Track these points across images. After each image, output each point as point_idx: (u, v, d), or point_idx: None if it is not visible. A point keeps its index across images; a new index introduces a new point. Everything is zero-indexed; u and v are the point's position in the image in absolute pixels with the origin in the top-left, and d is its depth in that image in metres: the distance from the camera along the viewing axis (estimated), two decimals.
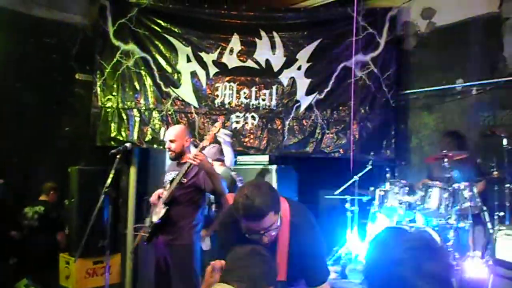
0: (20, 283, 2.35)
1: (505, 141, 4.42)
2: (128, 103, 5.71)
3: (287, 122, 5.52)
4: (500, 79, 5.08)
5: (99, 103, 5.72)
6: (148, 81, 5.68)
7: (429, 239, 1.35)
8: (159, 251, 3.68)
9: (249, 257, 1.85)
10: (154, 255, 3.76)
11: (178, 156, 3.72)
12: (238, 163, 5.21)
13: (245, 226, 2.07)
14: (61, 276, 5.22)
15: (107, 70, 5.70)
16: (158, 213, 3.63)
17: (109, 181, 3.52)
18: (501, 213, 4.37)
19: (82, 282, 5.00)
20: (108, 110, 5.72)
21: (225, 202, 3.58)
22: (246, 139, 5.52)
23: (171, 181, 3.63)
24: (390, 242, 1.35)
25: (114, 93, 5.71)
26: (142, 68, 5.69)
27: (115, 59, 5.69)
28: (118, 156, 3.63)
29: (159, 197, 3.70)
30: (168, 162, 4.09)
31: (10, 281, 4.57)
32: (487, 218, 4.45)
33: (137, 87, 5.70)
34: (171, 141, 3.71)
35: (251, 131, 5.53)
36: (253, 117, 5.53)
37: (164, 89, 5.66)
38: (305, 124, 5.52)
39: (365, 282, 1.36)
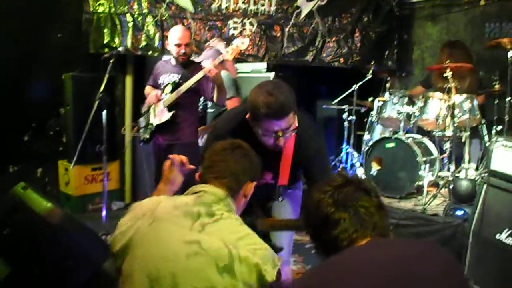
0: (17, 186, 2.36)
1: (510, 54, 4.31)
2: (121, 7, 5.45)
3: (286, 29, 5.29)
4: None
5: (90, 8, 5.47)
6: None
7: (348, 178, 1.46)
8: (160, 151, 3.81)
9: (229, 151, 1.67)
10: (155, 155, 3.92)
11: (188, 60, 3.75)
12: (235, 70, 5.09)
13: (265, 126, 2.01)
14: (60, 182, 5.31)
15: None
16: (159, 115, 3.69)
17: (103, 86, 3.48)
18: (499, 127, 4.37)
19: (81, 188, 5.10)
20: (100, 15, 5.48)
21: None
22: None
23: (173, 84, 3.63)
24: (311, 190, 1.50)
25: None
26: None
27: None
28: (111, 61, 3.56)
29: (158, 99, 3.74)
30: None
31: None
32: (485, 132, 4.46)
33: None
34: (187, 44, 3.70)
35: (249, 38, 5.32)
36: (251, 23, 5.30)
37: None
38: (305, 31, 5.30)
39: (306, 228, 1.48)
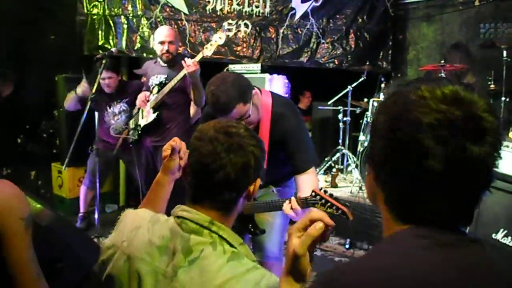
0: None
1: (505, 53, 4.32)
2: (115, 9, 5.46)
3: (281, 31, 5.28)
4: None
5: (85, 10, 5.47)
6: None
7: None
8: (147, 153, 3.80)
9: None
10: (143, 156, 3.89)
11: (174, 59, 3.66)
12: (230, 71, 5.07)
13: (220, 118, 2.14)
14: (54, 185, 5.27)
15: None
16: (146, 117, 3.66)
17: (95, 87, 3.44)
18: None
19: (75, 190, 5.04)
20: (95, 17, 5.49)
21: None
22: (239, 48, 5.32)
23: (160, 85, 3.59)
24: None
25: None
26: None
27: None
28: (103, 62, 3.52)
29: (146, 100, 3.70)
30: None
31: None
32: None
33: None
34: (170, 42, 3.64)
35: (244, 39, 5.31)
36: (246, 25, 5.29)
37: None
38: (299, 32, 5.29)
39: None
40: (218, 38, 3.34)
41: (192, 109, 3.86)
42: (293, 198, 2.10)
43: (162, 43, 3.65)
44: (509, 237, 2.83)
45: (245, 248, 1.30)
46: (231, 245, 1.27)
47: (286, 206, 2.12)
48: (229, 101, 2.11)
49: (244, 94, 2.16)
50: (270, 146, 2.24)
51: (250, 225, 2.42)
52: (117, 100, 4.23)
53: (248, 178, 1.33)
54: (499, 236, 2.92)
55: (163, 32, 3.70)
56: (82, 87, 3.97)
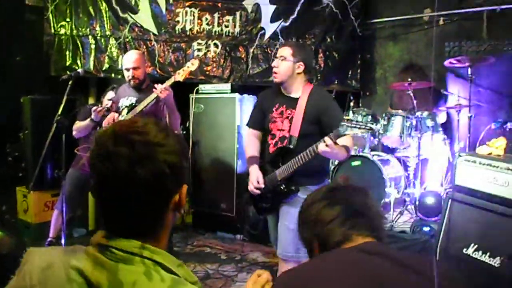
0: None
1: (469, 71, 4.42)
2: (83, 29, 5.39)
3: (251, 50, 5.32)
4: (468, 10, 5.02)
5: (52, 30, 5.38)
6: (104, 6, 5.33)
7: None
8: None
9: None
10: None
11: (142, 83, 3.62)
12: (200, 92, 5.05)
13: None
14: (19, 209, 5.09)
15: None
16: None
17: (61, 109, 3.37)
18: (461, 144, 4.45)
19: (41, 215, 4.88)
20: (62, 37, 5.40)
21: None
22: (209, 68, 5.32)
23: (129, 107, 3.53)
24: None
25: (68, 19, 5.36)
26: None
27: None
28: (70, 83, 3.46)
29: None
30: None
31: None
32: (448, 148, 4.53)
33: (92, 12, 5.35)
34: (134, 68, 3.60)
35: (214, 59, 5.32)
36: (215, 45, 5.30)
37: (121, 14, 5.32)
38: (269, 52, 5.34)
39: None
40: (191, 65, 3.35)
41: None
42: (326, 137, 2.45)
43: (127, 70, 3.63)
44: (480, 252, 2.85)
45: (183, 270, 1.09)
46: (169, 271, 1.06)
47: (320, 145, 2.45)
48: (294, 44, 3.32)
49: (301, 53, 2.88)
50: (305, 115, 2.72)
51: (282, 186, 2.75)
52: None
53: (168, 191, 1.10)
54: (470, 251, 2.93)
55: (128, 58, 3.67)
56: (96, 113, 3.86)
